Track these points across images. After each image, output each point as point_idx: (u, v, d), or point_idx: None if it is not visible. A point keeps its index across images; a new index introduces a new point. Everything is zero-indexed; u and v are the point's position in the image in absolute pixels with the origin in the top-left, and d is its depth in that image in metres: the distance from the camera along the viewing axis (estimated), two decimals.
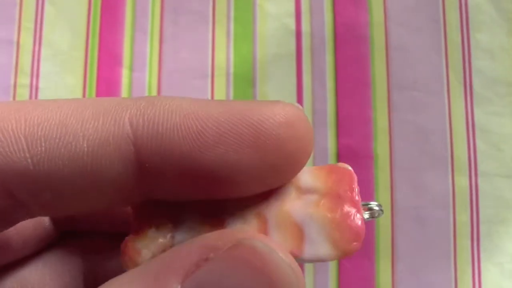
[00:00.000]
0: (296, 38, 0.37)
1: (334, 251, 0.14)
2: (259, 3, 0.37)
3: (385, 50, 0.37)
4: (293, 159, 0.14)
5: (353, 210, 0.14)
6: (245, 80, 0.36)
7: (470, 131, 0.36)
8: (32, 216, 0.14)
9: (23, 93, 0.36)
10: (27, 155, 0.12)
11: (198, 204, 0.14)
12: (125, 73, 0.37)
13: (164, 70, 0.37)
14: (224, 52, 0.37)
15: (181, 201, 0.14)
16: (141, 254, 0.14)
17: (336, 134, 0.36)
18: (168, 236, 0.14)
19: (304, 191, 0.15)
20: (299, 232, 0.14)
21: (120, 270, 0.13)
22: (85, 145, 0.12)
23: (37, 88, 0.36)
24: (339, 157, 0.36)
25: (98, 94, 0.36)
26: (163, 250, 0.14)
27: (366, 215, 0.15)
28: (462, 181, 0.35)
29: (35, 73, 0.37)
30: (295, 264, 0.13)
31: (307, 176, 0.15)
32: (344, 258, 0.14)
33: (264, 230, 0.14)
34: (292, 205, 0.14)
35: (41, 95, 0.36)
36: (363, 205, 0.15)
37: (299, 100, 0.36)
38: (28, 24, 0.37)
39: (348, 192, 0.14)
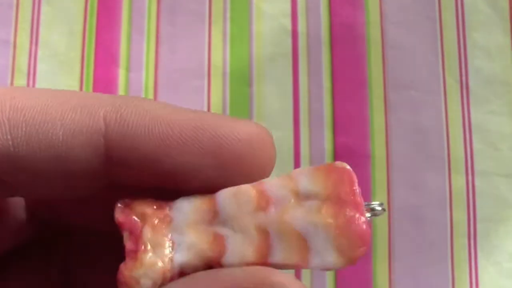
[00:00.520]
0: (292, 38, 0.37)
1: (340, 258, 0.14)
2: (255, 3, 0.37)
3: (382, 49, 0.37)
4: (252, 174, 0.14)
5: (356, 214, 0.14)
6: (242, 80, 0.36)
7: (466, 130, 0.36)
8: (11, 194, 0.15)
9: None
10: (9, 137, 0.13)
11: (192, 214, 0.14)
12: (121, 73, 0.37)
13: (161, 70, 0.37)
14: (221, 52, 0.37)
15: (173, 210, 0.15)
16: (141, 284, 0.14)
17: (332, 133, 0.36)
18: (167, 258, 0.14)
19: (303, 196, 0.14)
20: (303, 242, 0.14)
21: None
22: (60, 133, 0.13)
23: None
24: (336, 157, 0.36)
25: None
26: (164, 277, 0.14)
27: (368, 215, 0.14)
28: (459, 180, 0.35)
29: (31, 74, 0.37)
30: None
31: (305, 179, 0.14)
32: (351, 265, 0.13)
33: (267, 245, 0.14)
34: (293, 213, 0.14)
35: None
36: (365, 205, 0.14)
37: (296, 99, 0.36)
38: (24, 24, 0.37)
39: (350, 195, 0.14)
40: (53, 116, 0.13)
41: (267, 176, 0.15)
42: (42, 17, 0.37)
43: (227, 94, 0.36)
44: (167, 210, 0.14)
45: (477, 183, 0.35)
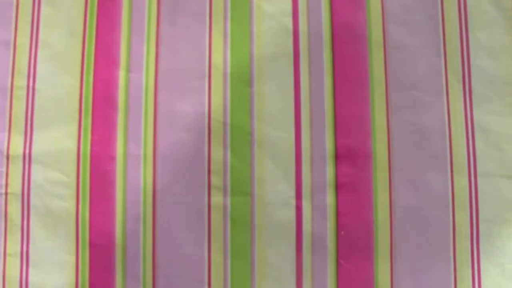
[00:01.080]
0: (293, 38, 0.37)
1: None
2: (256, 2, 0.37)
3: (384, 49, 0.37)
4: None
5: None
6: (242, 80, 0.36)
7: (469, 131, 0.36)
8: None
9: (20, 94, 0.37)
10: None
11: None
12: (122, 74, 0.37)
13: (161, 70, 0.37)
14: (221, 52, 0.37)
15: None
16: None
17: (334, 133, 0.36)
18: None
19: None
20: None
21: None
22: None
23: (34, 89, 0.37)
24: (337, 157, 0.36)
25: (95, 95, 0.36)
26: None
27: None
28: (462, 181, 0.35)
29: (32, 74, 0.37)
30: None
31: None
32: None
33: None
34: None
35: (38, 96, 0.36)
36: None
37: (297, 99, 0.36)
38: (24, 25, 0.37)
39: None
40: None
41: None
42: (42, 17, 0.37)
43: (227, 94, 0.36)
44: None
45: (479, 184, 0.35)
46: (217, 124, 0.36)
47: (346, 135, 0.36)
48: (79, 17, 0.37)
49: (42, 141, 0.36)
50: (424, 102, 0.36)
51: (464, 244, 0.35)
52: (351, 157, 0.36)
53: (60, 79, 0.37)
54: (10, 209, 0.36)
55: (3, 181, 0.36)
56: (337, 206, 0.35)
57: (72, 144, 0.36)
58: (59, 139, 0.36)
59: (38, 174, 0.36)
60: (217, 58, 0.37)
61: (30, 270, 0.35)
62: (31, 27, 0.37)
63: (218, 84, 0.36)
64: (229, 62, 0.37)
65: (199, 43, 0.37)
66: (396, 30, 0.37)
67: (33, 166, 0.36)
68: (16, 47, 0.37)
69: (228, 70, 0.36)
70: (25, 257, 0.36)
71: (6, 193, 0.36)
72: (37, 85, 0.37)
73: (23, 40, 0.37)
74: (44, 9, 0.37)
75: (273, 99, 0.36)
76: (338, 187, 0.35)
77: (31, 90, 0.37)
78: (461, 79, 0.36)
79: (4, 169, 0.36)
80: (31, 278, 0.35)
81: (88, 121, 0.36)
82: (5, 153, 0.36)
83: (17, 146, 0.36)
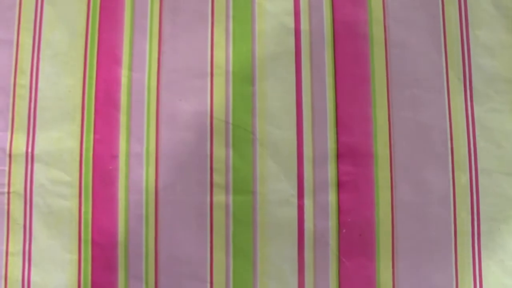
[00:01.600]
0: (295, 36, 0.37)
1: None
2: (257, 1, 0.37)
3: (385, 47, 0.37)
4: None
5: None
6: (245, 78, 0.36)
7: (470, 128, 0.36)
8: None
9: (23, 93, 0.37)
10: None
11: None
12: (124, 73, 0.37)
13: (164, 69, 0.37)
14: (223, 51, 0.37)
15: None
16: None
17: (335, 132, 0.36)
18: None
19: None
20: None
21: None
22: None
23: (36, 88, 0.37)
24: (339, 155, 0.36)
25: (97, 94, 0.36)
26: None
27: None
28: (462, 178, 0.35)
29: (34, 73, 0.37)
30: None
31: None
32: None
33: None
34: None
35: (41, 95, 0.36)
36: None
37: (298, 98, 0.36)
38: (27, 24, 0.37)
39: None
40: None
41: None
42: (44, 17, 0.37)
43: (230, 93, 0.36)
44: None
45: (480, 181, 0.35)
46: (219, 123, 0.36)
47: (347, 134, 0.36)
48: (81, 17, 0.37)
49: (44, 140, 0.36)
50: (425, 100, 0.36)
51: (465, 241, 0.35)
52: (352, 155, 0.36)
53: (63, 78, 0.37)
54: (12, 208, 0.36)
55: (5, 180, 0.36)
56: (338, 204, 0.35)
57: (74, 143, 0.36)
58: (61, 138, 0.36)
59: (40, 173, 0.36)
60: (219, 57, 0.37)
61: (32, 269, 0.35)
62: (34, 27, 0.37)
63: (220, 83, 0.36)
64: (231, 61, 0.37)
65: (201, 42, 0.37)
66: (397, 28, 0.37)
67: (35, 165, 0.36)
68: (19, 46, 0.37)
69: (230, 69, 0.37)
70: (27, 256, 0.35)
71: (8, 192, 0.36)
72: (39, 84, 0.37)
73: (26, 39, 0.37)
74: (47, 9, 0.38)
75: (275, 98, 0.36)
76: (339, 185, 0.36)
77: (33, 89, 0.37)
78: (461, 77, 0.36)
79: (6, 168, 0.36)
80: (33, 277, 0.35)
81: (90, 120, 0.36)
82: (7, 152, 0.36)
83: (19, 145, 0.36)
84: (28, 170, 0.36)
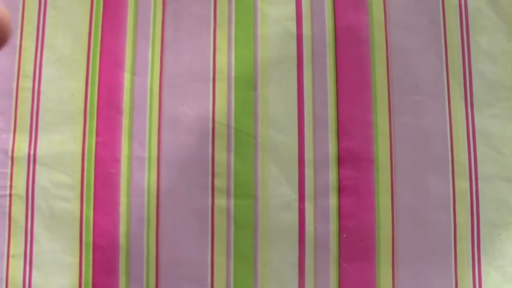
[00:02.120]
0: (297, 42, 0.37)
1: None
2: (260, 6, 0.37)
3: (386, 53, 0.37)
4: None
5: None
6: (246, 83, 0.36)
7: (470, 134, 0.36)
8: None
9: (26, 96, 0.37)
10: None
11: None
12: (127, 77, 0.37)
13: (166, 74, 0.37)
14: (225, 56, 0.37)
15: None
16: None
17: (337, 137, 0.36)
18: None
19: None
20: None
21: None
22: None
23: (39, 92, 0.37)
24: (340, 160, 0.36)
25: (100, 98, 0.37)
26: None
27: None
28: (463, 184, 0.35)
29: (37, 77, 0.37)
30: None
31: None
32: None
33: None
34: None
35: (43, 98, 0.37)
36: None
37: (300, 103, 0.36)
38: (30, 28, 0.37)
39: None
40: None
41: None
42: (47, 21, 0.37)
43: (231, 98, 0.36)
44: None
45: (480, 187, 0.35)
46: (221, 127, 0.36)
47: (348, 139, 0.36)
48: (84, 21, 0.37)
49: (47, 143, 0.36)
50: (425, 106, 0.36)
51: (465, 246, 0.35)
52: (353, 160, 0.36)
53: (65, 82, 0.37)
54: (14, 210, 0.36)
55: (8, 183, 0.36)
56: (339, 209, 0.35)
57: (76, 146, 0.36)
58: (63, 141, 0.36)
59: (42, 176, 0.36)
60: (221, 62, 0.37)
61: (34, 271, 0.35)
62: (37, 31, 0.37)
63: (222, 88, 0.37)
64: (233, 66, 0.37)
65: (203, 46, 0.37)
66: (399, 34, 0.37)
67: (37, 167, 0.36)
68: (22, 50, 0.37)
69: (232, 74, 0.37)
70: (28, 259, 0.35)
71: (10, 195, 0.36)
72: (42, 88, 0.37)
73: (29, 43, 0.37)
74: (50, 13, 0.38)
75: (276, 103, 0.36)
76: (340, 190, 0.36)
77: (36, 92, 0.37)
78: (462, 83, 0.37)
79: (8, 171, 0.36)
80: (34, 279, 0.35)
81: (93, 124, 0.36)
82: (10, 154, 0.36)
83: (22, 148, 0.36)
84: (30, 173, 0.36)
